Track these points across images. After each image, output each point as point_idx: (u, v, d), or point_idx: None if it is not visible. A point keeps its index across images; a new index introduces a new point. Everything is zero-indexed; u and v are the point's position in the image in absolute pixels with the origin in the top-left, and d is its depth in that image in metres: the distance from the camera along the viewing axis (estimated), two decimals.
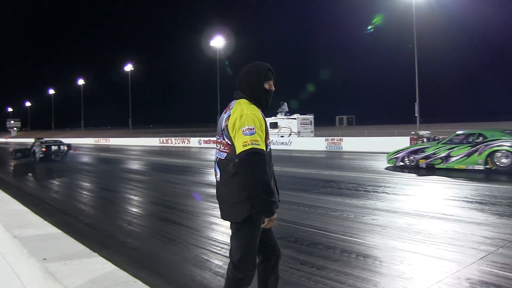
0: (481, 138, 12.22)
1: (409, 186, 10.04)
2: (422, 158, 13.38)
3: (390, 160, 14.40)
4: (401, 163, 13.93)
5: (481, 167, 11.98)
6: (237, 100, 2.76)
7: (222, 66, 49.17)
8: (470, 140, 12.50)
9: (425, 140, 15.74)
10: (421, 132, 17.13)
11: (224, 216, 2.75)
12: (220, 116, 2.84)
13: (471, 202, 7.63)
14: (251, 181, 2.52)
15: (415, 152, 13.69)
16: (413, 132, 20.42)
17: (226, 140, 2.64)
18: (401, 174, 12.42)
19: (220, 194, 2.74)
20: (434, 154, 13.08)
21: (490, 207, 7.09)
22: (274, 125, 39.74)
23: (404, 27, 32.95)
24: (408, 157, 13.84)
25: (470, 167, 12.22)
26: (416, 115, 30.33)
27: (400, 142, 17.21)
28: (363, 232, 5.60)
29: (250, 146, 2.50)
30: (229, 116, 2.65)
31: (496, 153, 11.74)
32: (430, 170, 12.90)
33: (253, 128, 2.54)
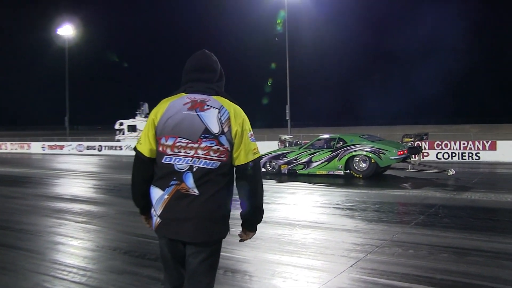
0: (341, 143, 12.29)
1: (280, 194, 9.90)
2: (284, 164, 13.17)
3: None
4: (263, 169, 13.34)
5: (341, 172, 12.14)
6: (215, 96, 2.28)
7: (72, 59, 42.21)
8: (331, 144, 12.53)
9: (287, 144, 15.59)
10: (284, 136, 16.80)
11: (200, 236, 2.22)
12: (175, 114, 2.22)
13: (342, 208, 7.73)
14: (257, 192, 2.38)
15: (277, 157, 13.41)
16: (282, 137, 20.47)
17: (226, 145, 2.20)
18: (270, 181, 12.10)
19: (201, 210, 2.20)
20: (296, 159, 12.93)
21: (360, 213, 7.22)
22: (133, 128, 37.55)
23: (278, 31, 33.68)
24: (270, 162, 13.52)
25: (331, 172, 12.27)
26: (287, 118, 30.46)
27: (269, 147, 17.01)
28: (231, 245, 5.01)
29: (258, 155, 2.31)
30: (227, 116, 2.20)
31: (355, 158, 11.93)
32: (292, 176, 12.85)
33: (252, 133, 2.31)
